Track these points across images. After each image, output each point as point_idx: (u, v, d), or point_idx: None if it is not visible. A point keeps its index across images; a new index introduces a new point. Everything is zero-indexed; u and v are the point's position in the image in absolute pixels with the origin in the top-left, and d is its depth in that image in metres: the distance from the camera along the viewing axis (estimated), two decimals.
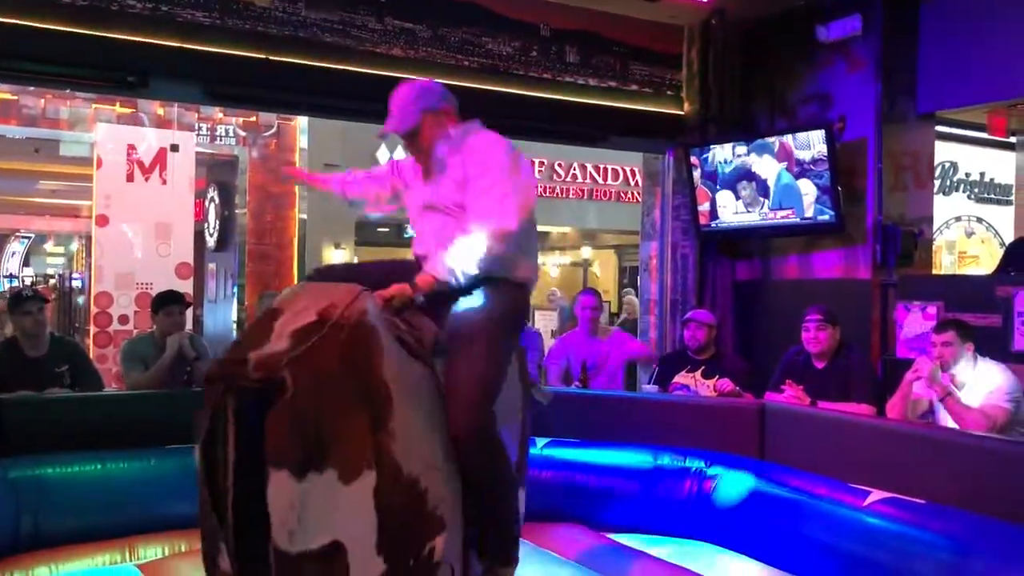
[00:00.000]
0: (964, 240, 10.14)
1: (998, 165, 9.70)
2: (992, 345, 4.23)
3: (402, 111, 2.78)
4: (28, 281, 13.25)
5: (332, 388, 2.11)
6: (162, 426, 3.72)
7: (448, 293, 2.59)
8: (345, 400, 2.13)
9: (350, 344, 2.19)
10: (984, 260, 9.79)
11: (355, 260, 10.56)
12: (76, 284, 12.47)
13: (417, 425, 2.29)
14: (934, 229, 6.29)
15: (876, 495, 3.31)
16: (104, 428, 3.84)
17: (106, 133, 7.48)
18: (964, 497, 3.13)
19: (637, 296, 7.88)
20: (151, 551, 3.56)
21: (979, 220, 10.14)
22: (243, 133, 9.23)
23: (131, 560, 3.53)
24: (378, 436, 2.15)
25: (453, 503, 2.37)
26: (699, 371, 4.71)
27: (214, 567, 2.12)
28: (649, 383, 4.91)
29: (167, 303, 4.70)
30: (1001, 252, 7.00)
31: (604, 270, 16.30)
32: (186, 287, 6.99)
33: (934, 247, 6.40)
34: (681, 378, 4.73)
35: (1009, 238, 8.23)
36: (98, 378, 4.72)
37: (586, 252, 15.09)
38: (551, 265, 15.91)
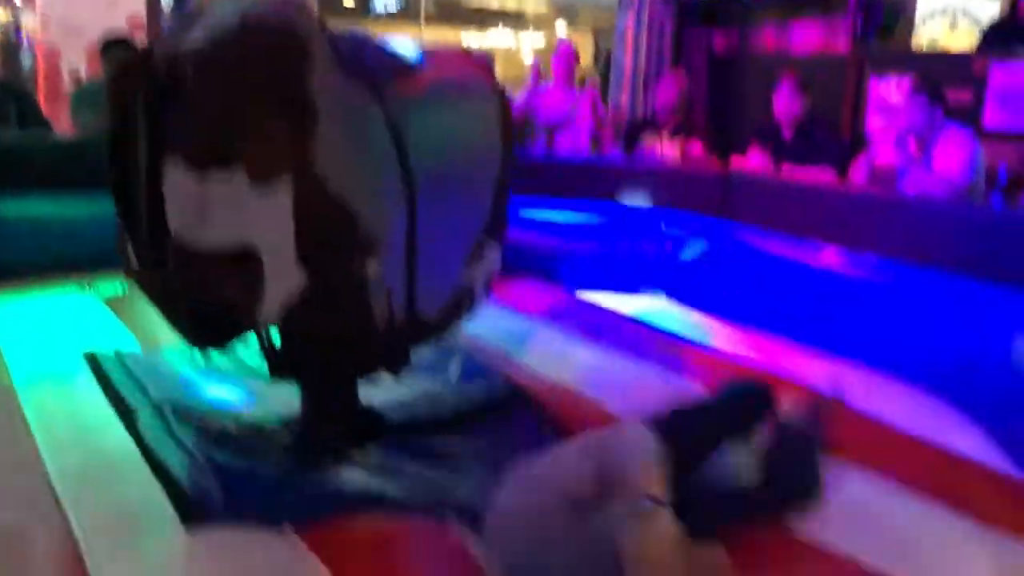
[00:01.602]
0: (948, 35, 9.87)
1: None
2: (965, 120, 4.19)
3: None
4: None
5: (240, 89, 2.02)
6: None
7: None
8: (258, 103, 2.03)
9: (271, 49, 2.07)
10: None
11: None
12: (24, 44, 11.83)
13: (348, 148, 2.14)
14: (916, 19, 6.10)
15: (830, 250, 3.39)
16: (59, 171, 3.86)
17: None
18: (917, 255, 3.21)
19: (609, 75, 7.67)
20: (111, 288, 3.62)
21: (964, 14, 9.82)
22: None
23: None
24: (298, 146, 2.05)
25: (395, 231, 2.28)
26: (666, 130, 4.66)
27: (127, 263, 2.15)
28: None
29: (115, 46, 4.47)
30: None
31: (581, 53, 15.85)
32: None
33: (914, 37, 6.21)
34: (648, 139, 4.68)
35: None
36: (47, 123, 4.56)
37: (561, 29, 14.48)
38: (525, 52, 15.37)
